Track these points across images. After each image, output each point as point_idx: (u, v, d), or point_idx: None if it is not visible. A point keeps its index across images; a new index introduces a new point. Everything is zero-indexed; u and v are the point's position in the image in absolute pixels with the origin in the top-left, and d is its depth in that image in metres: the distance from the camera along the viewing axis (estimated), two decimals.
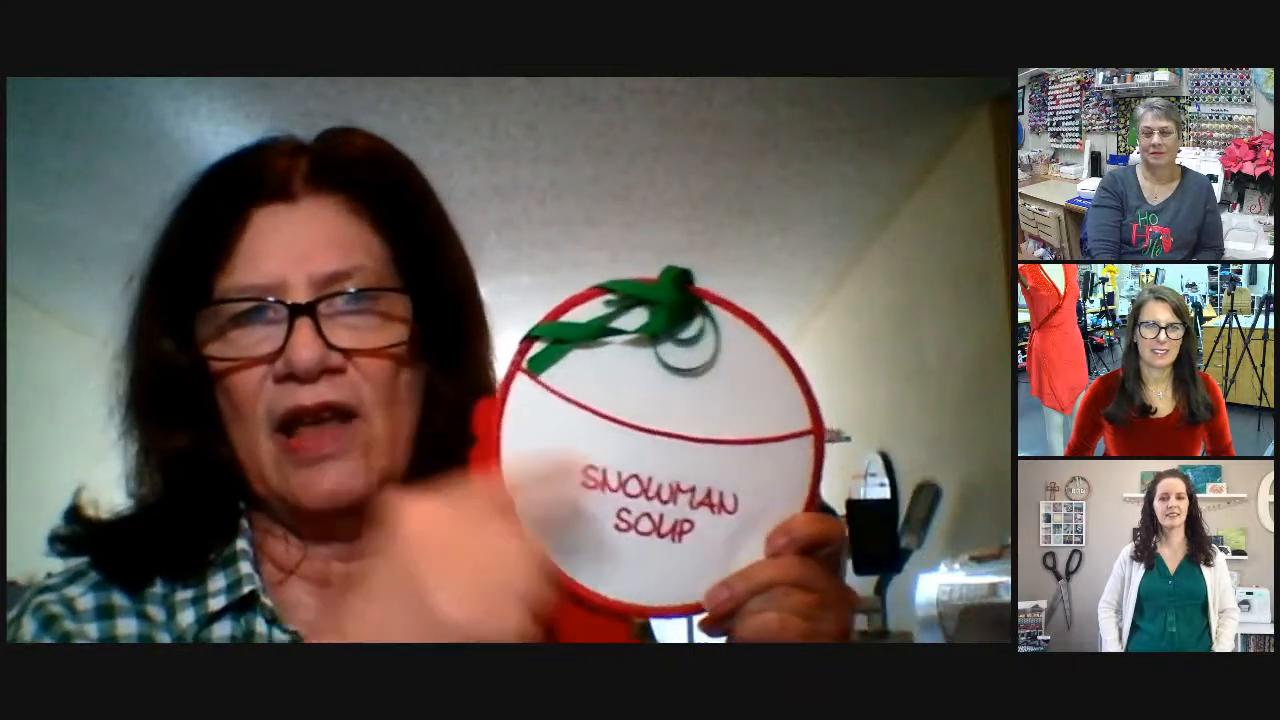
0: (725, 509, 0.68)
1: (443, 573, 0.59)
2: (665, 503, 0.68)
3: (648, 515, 0.68)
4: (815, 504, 0.69)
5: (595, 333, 0.68)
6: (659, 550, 0.68)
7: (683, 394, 0.68)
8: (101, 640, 0.76)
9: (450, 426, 0.80)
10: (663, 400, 0.68)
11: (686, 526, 0.68)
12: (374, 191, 0.82)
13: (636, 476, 0.68)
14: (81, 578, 0.79)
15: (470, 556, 0.60)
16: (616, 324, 0.68)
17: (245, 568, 0.80)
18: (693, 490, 0.68)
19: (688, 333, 0.68)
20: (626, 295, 0.68)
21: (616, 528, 0.67)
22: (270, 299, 0.78)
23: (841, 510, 3.11)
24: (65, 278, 3.58)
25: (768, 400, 0.69)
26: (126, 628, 0.77)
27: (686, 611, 0.68)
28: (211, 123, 2.69)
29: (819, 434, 0.70)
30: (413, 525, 0.61)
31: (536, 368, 0.68)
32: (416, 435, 0.82)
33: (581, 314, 0.69)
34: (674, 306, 0.68)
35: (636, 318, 0.68)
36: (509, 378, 0.69)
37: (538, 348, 0.69)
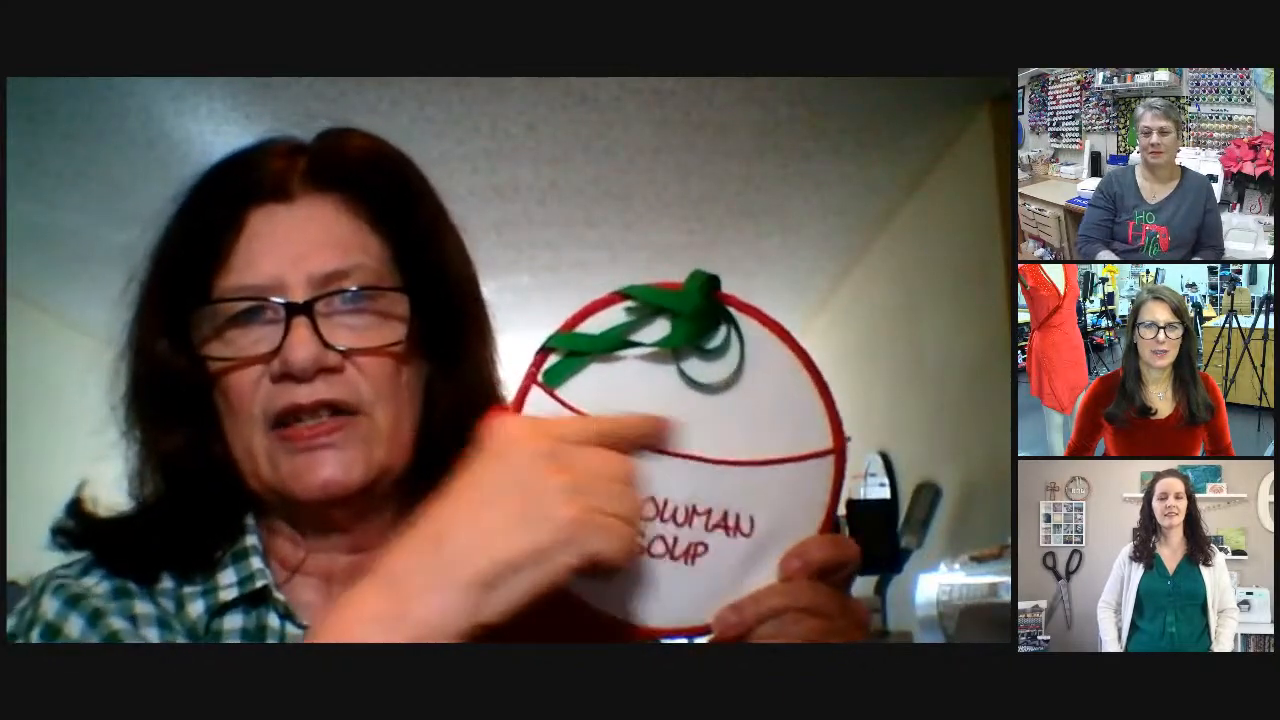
0: (741, 531, 0.66)
1: (554, 476, 0.59)
2: (680, 525, 0.66)
3: (661, 538, 0.66)
4: (831, 525, 0.68)
5: (613, 345, 0.66)
6: (671, 572, 0.66)
7: (703, 410, 0.66)
8: (123, 618, 0.76)
9: (451, 425, 0.80)
10: (683, 417, 0.66)
11: (700, 549, 0.66)
12: (372, 190, 0.82)
13: (652, 499, 0.65)
14: (94, 569, 0.79)
15: (580, 470, 0.60)
16: (636, 335, 0.66)
17: (256, 563, 0.80)
18: (709, 513, 0.66)
19: (711, 343, 0.66)
20: (648, 304, 0.66)
21: None
22: (268, 299, 0.78)
23: (842, 510, 3.11)
24: (65, 278, 3.58)
25: (790, 418, 0.67)
26: (144, 608, 0.77)
27: (695, 633, 0.67)
28: (211, 123, 2.69)
29: (840, 453, 0.68)
30: (528, 433, 0.61)
31: (552, 381, 0.66)
32: (418, 433, 0.82)
33: (600, 321, 0.66)
34: (698, 318, 0.65)
35: (658, 328, 0.66)
36: (524, 390, 0.66)
37: (554, 359, 0.66)
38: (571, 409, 0.65)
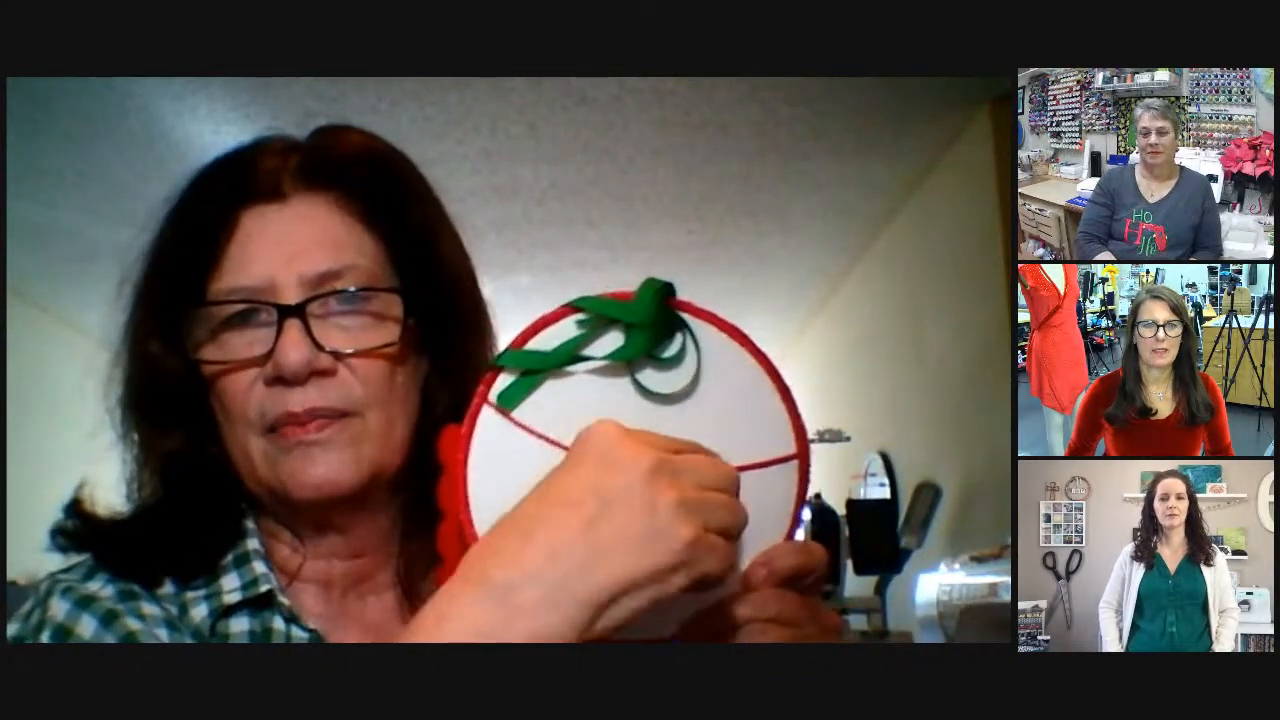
0: None
1: (669, 492, 0.58)
2: None
3: None
4: (796, 531, 0.67)
5: (565, 360, 0.64)
6: None
7: (661, 421, 0.64)
8: (135, 618, 0.75)
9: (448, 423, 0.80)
10: (640, 429, 0.63)
11: None
12: (365, 188, 0.81)
13: None
14: (97, 572, 0.79)
15: (691, 484, 0.59)
16: (589, 349, 0.64)
17: (260, 567, 0.79)
18: None
19: (667, 352, 0.64)
20: (600, 315, 0.64)
21: None
22: (260, 301, 0.77)
23: (842, 510, 3.11)
24: (65, 278, 3.59)
25: (752, 424, 0.66)
26: (151, 609, 0.77)
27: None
28: (211, 123, 2.69)
29: (804, 458, 0.67)
30: (636, 443, 0.59)
31: (508, 403, 0.64)
32: (414, 434, 0.81)
33: (551, 336, 0.64)
34: (652, 328, 0.63)
35: (611, 340, 0.64)
36: (475, 409, 0.65)
37: (506, 380, 0.65)
38: (529, 430, 0.64)
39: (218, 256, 0.78)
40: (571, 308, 0.65)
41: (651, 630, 0.64)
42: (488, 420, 0.65)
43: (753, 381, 0.66)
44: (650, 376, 0.65)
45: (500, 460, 0.64)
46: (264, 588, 0.79)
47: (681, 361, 0.65)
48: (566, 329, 0.65)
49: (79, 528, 0.80)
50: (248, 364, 0.78)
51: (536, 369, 0.64)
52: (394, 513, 0.83)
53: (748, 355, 0.66)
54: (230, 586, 0.79)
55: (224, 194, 0.80)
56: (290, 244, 0.78)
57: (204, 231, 0.79)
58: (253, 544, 0.81)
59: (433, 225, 0.85)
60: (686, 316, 0.65)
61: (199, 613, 0.78)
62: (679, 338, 0.65)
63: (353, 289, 0.78)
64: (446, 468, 0.65)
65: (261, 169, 0.81)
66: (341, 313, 0.78)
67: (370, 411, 0.78)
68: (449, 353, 0.83)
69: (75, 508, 0.81)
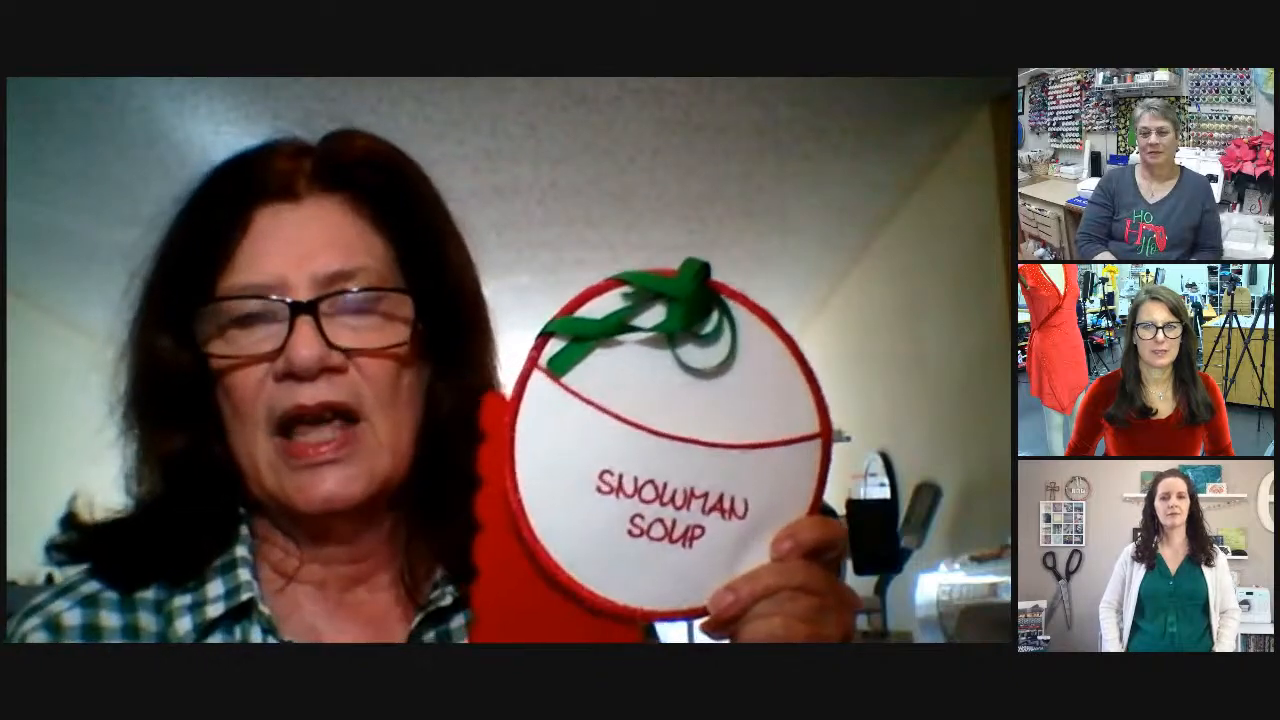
0: (736, 514, 0.67)
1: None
2: (679, 508, 0.67)
3: (660, 521, 0.67)
4: (819, 507, 0.69)
5: (613, 329, 0.67)
6: (669, 555, 0.67)
7: (699, 394, 0.67)
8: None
9: (452, 427, 0.80)
10: (679, 401, 0.67)
11: (698, 532, 0.67)
12: (377, 192, 0.82)
13: (652, 482, 0.67)
14: (69, 591, 0.79)
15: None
16: (634, 320, 0.67)
17: (244, 575, 0.79)
18: (705, 495, 0.67)
19: (704, 329, 0.67)
20: (644, 289, 0.67)
21: (629, 533, 0.67)
22: (272, 297, 0.78)
23: (842, 510, 3.11)
24: (65, 277, 3.59)
25: (780, 402, 0.68)
26: (115, 641, 0.77)
27: (691, 615, 0.68)
28: (212, 123, 2.69)
29: (827, 437, 0.69)
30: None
31: (558, 369, 0.67)
32: (418, 436, 0.81)
33: (598, 307, 0.67)
34: (692, 302, 0.66)
35: (654, 313, 0.67)
36: (525, 375, 0.67)
37: (557, 346, 0.67)
38: (578, 396, 0.67)
39: (230, 254, 0.79)
40: (617, 280, 0.67)
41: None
42: (536, 386, 0.67)
43: (780, 362, 0.69)
44: (689, 352, 0.67)
45: (548, 426, 0.67)
46: (244, 596, 0.79)
47: (718, 339, 0.68)
48: (613, 301, 0.67)
49: (73, 540, 0.81)
50: (258, 359, 0.78)
51: (587, 335, 0.67)
52: (396, 516, 0.83)
53: (775, 336, 0.69)
54: (214, 594, 0.79)
55: (238, 193, 0.80)
56: (303, 244, 0.79)
57: (217, 229, 0.79)
58: (241, 551, 0.81)
59: (439, 229, 0.85)
60: (723, 297, 0.68)
61: (183, 625, 0.78)
62: (715, 316, 0.67)
63: (363, 289, 0.79)
64: (490, 434, 0.67)
65: (276, 169, 0.81)
66: (350, 312, 0.79)
67: (377, 415, 0.79)
68: (453, 356, 0.83)
69: (70, 520, 0.81)
